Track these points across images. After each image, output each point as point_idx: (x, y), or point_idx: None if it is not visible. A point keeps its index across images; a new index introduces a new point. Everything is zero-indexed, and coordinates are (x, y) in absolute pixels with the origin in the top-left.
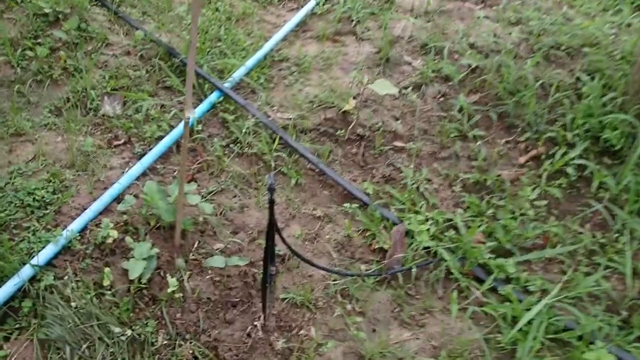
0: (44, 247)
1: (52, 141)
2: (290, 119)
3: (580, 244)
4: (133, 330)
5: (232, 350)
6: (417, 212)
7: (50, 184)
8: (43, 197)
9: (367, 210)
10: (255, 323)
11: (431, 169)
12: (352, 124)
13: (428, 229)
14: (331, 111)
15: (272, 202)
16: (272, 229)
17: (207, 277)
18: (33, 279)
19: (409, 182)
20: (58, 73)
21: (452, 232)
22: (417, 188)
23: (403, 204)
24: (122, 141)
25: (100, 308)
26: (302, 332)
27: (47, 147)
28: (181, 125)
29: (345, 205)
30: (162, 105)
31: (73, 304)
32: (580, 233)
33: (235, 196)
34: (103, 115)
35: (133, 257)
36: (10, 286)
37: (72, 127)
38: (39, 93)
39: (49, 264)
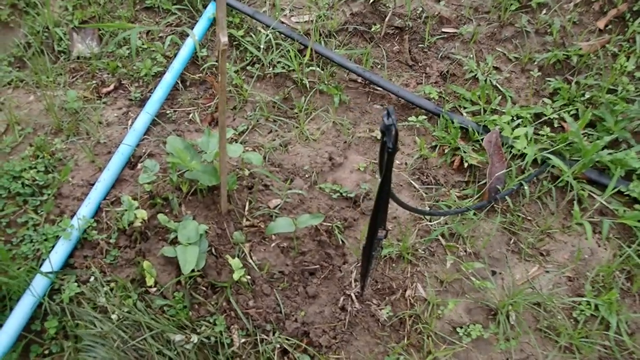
0: (53, 246)
1: (24, 102)
2: (311, 21)
3: None
4: (199, 333)
5: (327, 333)
6: (495, 112)
7: (39, 160)
8: (34, 179)
9: (438, 120)
10: (347, 292)
11: (496, 55)
12: (387, 15)
13: (526, 133)
14: (357, 4)
15: (393, 151)
16: (387, 184)
17: (272, 245)
18: (51, 291)
19: (480, 75)
20: (6, 13)
21: (547, 129)
22: (489, 81)
23: (474, 104)
24: (111, 87)
25: (148, 314)
26: (408, 293)
27: (20, 111)
28: (183, 53)
29: (410, 119)
30: (149, 32)
31: (113, 315)
32: None
33: (270, 132)
34: (78, 58)
35: (178, 243)
36: (24, 308)
37: (44, 80)
38: None
39: (66, 265)
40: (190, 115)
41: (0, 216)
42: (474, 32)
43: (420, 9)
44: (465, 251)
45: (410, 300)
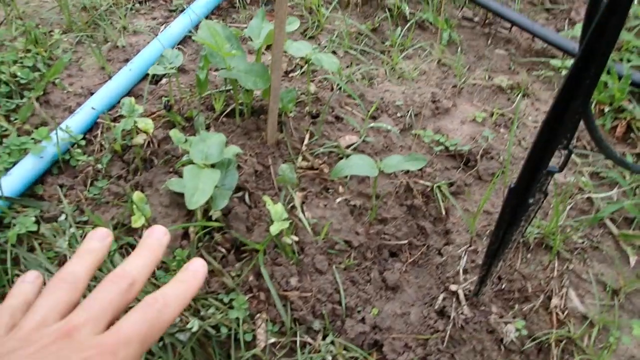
0: (14, 163)
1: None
2: None
3: None
4: (202, 318)
5: (411, 350)
6: None
7: (29, 55)
8: (15, 75)
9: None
10: (450, 288)
11: None
12: None
13: None
14: None
15: None
16: (609, 45)
17: (338, 200)
18: None
19: None
20: None
21: None
22: None
23: None
24: None
25: None
26: (554, 302)
27: (29, 6)
28: None
29: (553, 62)
30: None
31: None
32: None
33: (351, 64)
34: None
35: (190, 162)
36: None
37: None
38: None
39: (28, 194)
40: (244, 31)
41: None
42: None
43: None
44: None
45: (557, 314)
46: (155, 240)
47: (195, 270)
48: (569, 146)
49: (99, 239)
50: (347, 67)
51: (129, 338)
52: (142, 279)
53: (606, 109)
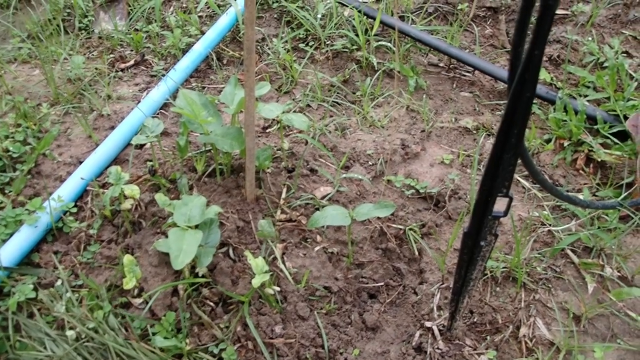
0: (11, 234)
1: (25, 74)
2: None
3: None
4: None
5: None
6: (626, 99)
7: (19, 129)
8: (7, 150)
9: (551, 108)
10: (426, 325)
11: (623, 38)
12: None
13: None
14: None
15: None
16: (530, 85)
17: (317, 249)
18: None
19: (609, 55)
20: None
21: None
22: (619, 66)
23: (599, 91)
24: (131, 62)
25: (125, 336)
26: (523, 331)
27: (17, 81)
28: (221, 22)
29: None
30: (184, 5)
31: (69, 332)
32: None
33: (324, 116)
34: (100, 37)
35: (175, 225)
36: None
37: (52, 52)
38: (5, 24)
39: (25, 262)
40: (221, 95)
41: None
42: (592, 13)
43: None
44: (612, 274)
45: (526, 342)
46: None
47: None
48: (508, 193)
49: None
50: (321, 119)
51: None
52: None
53: (566, 144)
